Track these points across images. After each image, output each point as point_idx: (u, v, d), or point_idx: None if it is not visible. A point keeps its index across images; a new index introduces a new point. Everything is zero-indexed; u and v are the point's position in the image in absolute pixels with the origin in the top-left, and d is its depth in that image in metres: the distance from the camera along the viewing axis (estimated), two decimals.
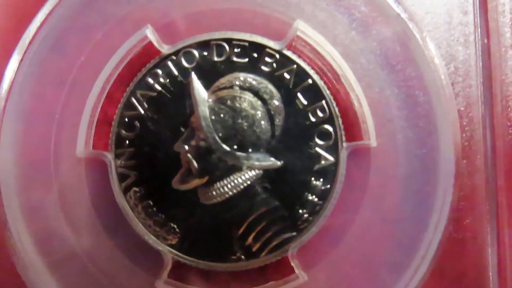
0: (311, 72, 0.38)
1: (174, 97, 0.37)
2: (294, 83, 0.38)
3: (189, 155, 0.37)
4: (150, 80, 0.38)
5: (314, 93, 0.38)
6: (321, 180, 0.37)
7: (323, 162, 0.37)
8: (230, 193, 0.37)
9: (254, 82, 0.37)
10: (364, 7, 0.38)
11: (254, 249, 0.37)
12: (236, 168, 0.37)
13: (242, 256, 0.37)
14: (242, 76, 0.37)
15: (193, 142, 0.37)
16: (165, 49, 0.38)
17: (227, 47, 0.38)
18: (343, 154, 0.37)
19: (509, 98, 0.38)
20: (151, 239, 0.37)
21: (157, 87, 0.38)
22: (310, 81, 0.38)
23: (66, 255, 0.38)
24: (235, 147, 0.37)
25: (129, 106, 0.38)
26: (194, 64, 0.38)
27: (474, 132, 0.38)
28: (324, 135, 0.37)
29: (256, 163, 0.37)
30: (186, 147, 0.37)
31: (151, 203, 0.37)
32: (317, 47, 0.38)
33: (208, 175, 0.37)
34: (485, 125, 0.38)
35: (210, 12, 0.38)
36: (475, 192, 0.38)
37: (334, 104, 0.37)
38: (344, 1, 0.38)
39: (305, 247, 0.37)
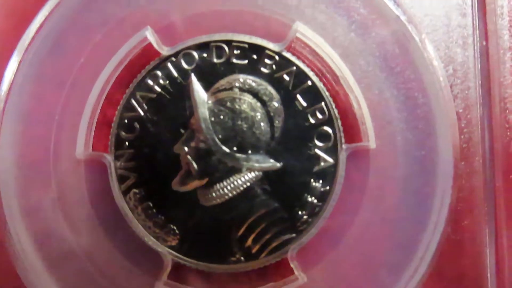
0: (311, 73, 0.38)
1: (174, 98, 0.38)
2: (294, 84, 0.38)
3: (188, 156, 0.37)
4: (150, 82, 0.38)
5: (313, 95, 0.38)
6: (321, 181, 0.37)
7: (322, 163, 0.37)
8: (230, 194, 0.37)
9: (253, 84, 0.37)
10: (363, 9, 0.38)
11: (253, 250, 0.37)
12: (236, 170, 0.37)
13: (242, 258, 0.37)
14: (241, 77, 0.38)
15: (192, 144, 0.37)
16: (165, 50, 0.38)
17: (226, 49, 0.38)
18: (343, 156, 0.37)
19: (507, 100, 0.39)
20: (150, 241, 0.37)
21: (157, 88, 0.38)
22: (309, 82, 0.38)
23: (65, 256, 0.38)
24: (235, 148, 0.37)
25: (128, 107, 0.38)
26: (193, 66, 0.38)
27: (473, 134, 0.39)
28: (324, 137, 0.38)
29: (256, 164, 0.37)
30: (186, 148, 0.37)
31: (151, 205, 0.37)
32: (316, 49, 0.38)
33: (208, 176, 0.37)
34: (483, 127, 0.39)
35: (210, 13, 0.38)
36: (473, 193, 0.39)
37: (334, 106, 0.38)
38: (343, 3, 0.38)
39: (305, 249, 0.37)
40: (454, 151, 0.37)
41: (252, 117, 0.37)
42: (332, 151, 0.38)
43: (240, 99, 0.37)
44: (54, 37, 0.38)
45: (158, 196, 0.37)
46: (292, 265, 0.37)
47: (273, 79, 0.38)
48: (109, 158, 0.37)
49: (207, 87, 0.37)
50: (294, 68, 0.38)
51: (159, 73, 0.38)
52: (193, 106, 0.37)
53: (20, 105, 0.38)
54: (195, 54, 0.38)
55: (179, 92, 0.37)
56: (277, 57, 0.38)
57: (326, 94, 0.38)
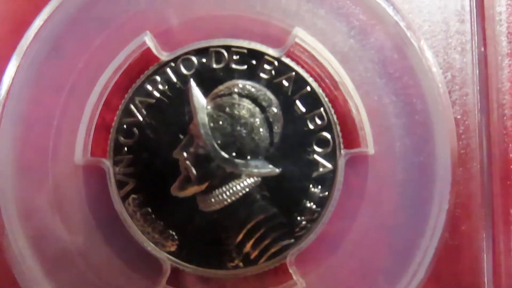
0: (310, 79, 0.38)
1: (173, 104, 0.38)
2: (293, 90, 0.38)
3: (187, 162, 0.37)
4: (149, 87, 0.38)
5: (312, 101, 0.38)
6: (319, 187, 0.37)
7: (321, 169, 0.38)
8: (229, 200, 0.37)
9: (252, 89, 0.37)
10: (363, 15, 0.38)
11: (252, 256, 0.37)
12: (235, 176, 0.37)
13: (240, 263, 0.37)
14: (240, 83, 0.38)
15: (192, 149, 0.37)
16: (164, 56, 0.38)
17: (226, 54, 0.38)
18: (341, 162, 0.38)
19: (505, 106, 0.39)
20: (149, 246, 0.37)
21: (156, 94, 0.38)
22: (308, 88, 0.38)
23: (63, 261, 0.38)
24: (234, 154, 0.37)
25: (127, 113, 0.38)
26: (193, 71, 0.38)
27: (471, 140, 0.39)
28: (322, 142, 0.38)
29: (255, 170, 0.37)
30: (185, 154, 0.37)
31: (150, 210, 0.37)
32: (315, 55, 0.38)
33: (207, 182, 0.37)
34: (481, 133, 0.39)
35: (209, 19, 0.38)
36: (471, 199, 0.39)
37: (333, 112, 0.38)
38: (343, 9, 0.38)
39: (303, 254, 0.38)
40: (452, 157, 0.38)
41: (251, 123, 0.37)
42: (331, 156, 0.38)
43: (239, 104, 0.37)
44: (53, 42, 0.38)
45: (157, 201, 0.37)
46: (290, 271, 0.38)
47: (272, 85, 0.38)
48: (107, 163, 0.37)
49: (206, 92, 0.37)
50: (293, 73, 0.38)
51: (158, 78, 0.38)
52: (192, 111, 0.37)
53: (18, 110, 0.38)
54: (194, 59, 0.38)
55: (178, 97, 0.37)
56: (276, 63, 0.38)
57: (325, 100, 0.38)
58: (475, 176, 0.39)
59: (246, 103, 0.37)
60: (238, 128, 0.37)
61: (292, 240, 0.37)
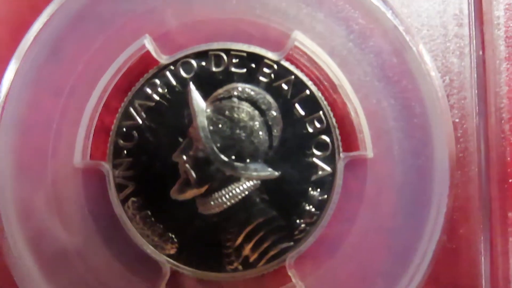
0: (309, 83, 0.38)
1: (172, 107, 0.38)
2: (292, 93, 0.38)
3: (187, 165, 0.37)
4: (148, 90, 0.38)
5: (311, 104, 0.38)
6: (318, 190, 0.38)
7: (320, 172, 0.38)
8: (228, 203, 0.37)
9: (252, 93, 0.38)
10: (362, 19, 0.38)
11: (251, 259, 0.37)
12: (234, 179, 0.37)
13: (240, 266, 0.37)
14: (240, 86, 0.38)
15: (191, 152, 0.37)
16: (163, 59, 0.38)
17: (225, 58, 0.38)
18: (340, 165, 0.38)
19: (503, 110, 0.39)
20: (149, 249, 0.37)
21: (155, 97, 0.38)
22: (307, 92, 0.38)
23: (62, 264, 0.38)
24: (233, 157, 0.37)
25: (127, 116, 0.38)
26: (192, 74, 0.38)
27: (469, 143, 0.39)
28: (321, 146, 0.38)
29: (254, 173, 0.37)
30: (184, 157, 0.37)
31: (149, 213, 0.37)
32: (314, 58, 0.38)
33: (206, 185, 0.37)
34: (479, 136, 0.39)
35: (209, 22, 0.38)
36: (469, 202, 0.39)
37: (332, 115, 0.38)
38: (342, 13, 0.38)
39: (303, 257, 0.38)
40: (450, 160, 0.38)
41: (251, 126, 0.37)
42: (330, 160, 0.38)
43: (238, 108, 0.37)
44: (52, 44, 0.38)
45: (156, 204, 0.37)
46: (290, 273, 0.38)
47: (272, 88, 0.38)
48: (107, 166, 0.37)
49: (205, 95, 0.37)
50: (293, 77, 0.38)
51: (157, 81, 0.38)
52: (192, 114, 0.37)
53: (17, 113, 0.38)
54: (193, 62, 0.38)
55: (178, 100, 0.38)
56: (275, 66, 0.38)
57: (324, 103, 0.38)
58: (473, 179, 0.39)
59: (246, 106, 0.37)
60: (238, 131, 0.37)
61: (291, 243, 0.37)
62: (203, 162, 0.37)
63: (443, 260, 0.38)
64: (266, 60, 0.38)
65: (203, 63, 0.38)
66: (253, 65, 0.38)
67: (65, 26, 0.38)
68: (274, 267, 0.37)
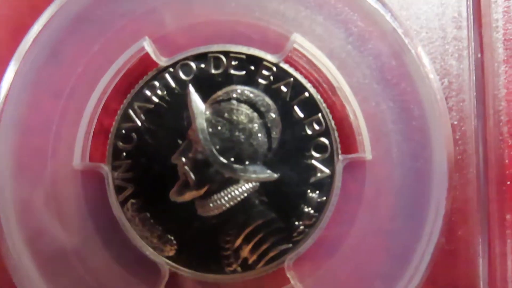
0: (308, 85, 0.38)
1: (172, 109, 0.38)
2: (291, 96, 0.38)
3: (186, 167, 0.37)
4: (148, 92, 0.38)
5: (310, 106, 0.38)
6: (317, 192, 0.38)
7: (319, 174, 0.38)
8: (227, 205, 0.37)
9: (251, 95, 0.38)
10: (361, 22, 0.38)
11: (250, 261, 0.37)
12: (233, 181, 0.37)
13: (239, 268, 0.37)
14: (239, 88, 0.38)
15: (190, 154, 0.37)
16: (163, 61, 0.38)
17: (224, 60, 0.38)
18: (339, 167, 0.38)
19: (501, 112, 0.39)
20: (148, 251, 0.37)
21: (155, 99, 0.38)
22: (306, 94, 0.38)
23: (62, 265, 0.38)
24: (232, 159, 0.37)
25: (126, 118, 0.38)
26: (191, 77, 0.38)
27: (467, 146, 0.39)
28: (320, 148, 0.38)
29: (253, 175, 0.37)
30: (184, 159, 0.37)
31: (149, 215, 0.37)
32: (314, 60, 0.38)
33: (205, 187, 0.37)
34: (477, 139, 0.39)
35: (208, 24, 0.38)
36: (467, 204, 0.39)
37: (330, 117, 0.38)
38: (341, 16, 0.38)
39: (301, 259, 0.38)
40: (449, 162, 0.38)
41: (250, 128, 0.37)
42: (329, 162, 0.38)
43: (237, 110, 0.37)
44: (52, 46, 0.38)
45: (155, 206, 0.37)
46: (288, 275, 0.38)
47: (271, 90, 0.38)
48: (106, 168, 0.37)
49: (204, 97, 0.38)
50: (292, 79, 0.38)
51: (157, 83, 0.38)
52: (191, 117, 0.37)
53: (17, 114, 0.38)
54: (193, 64, 0.38)
55: (177, 102, 0.38)
56: (274, 68, 0.38)
57: (323, 105, 0.38)
58: (471, 181, 0.39)
59: (245, 109, 0.37)
60: (237, 133, 0.37)
61: (290, 245, 0.38)
62: (202, 164, 0.37)
63: (441, 261, 0.38)
64: (265, 62, 0.38)
65: (202, 65, 0.38)
66: (252, 67, 0.38)
67: (64, 27, 0.38)
68: (273, 269, 0.38)
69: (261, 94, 0.38)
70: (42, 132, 0.38)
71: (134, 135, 0.38)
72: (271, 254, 0.37)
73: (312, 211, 0.38)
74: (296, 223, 0.38)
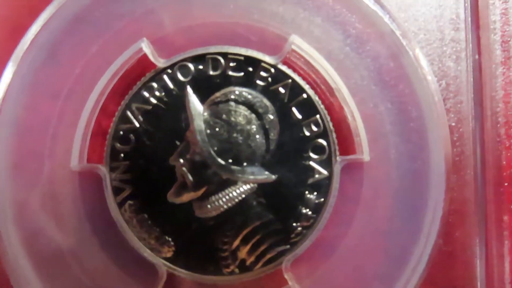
0: (306, 86, 0.38)
1: (170, 110, 0.38)
2: (289, 97, 0.38)
3: (184, 168, 0.37)
4: (146, 94, 0.38)
5: (308, 108, 0.38)
6: (315, 193, 0.38)
7: (317, 176, 0.38)
8: (225, 206, 0.37)
9: (249, 96, 0.38)
10: (359, 23, 0.38)
11: (248, 262, 0.37)
12: (231, 182, 0.37)
13: (236, 269, 0.37)
14: (237, 90, 0.38)
15: (188, 156, 0.37)
16: (161, 62, 0.38)
17: (222, 61, 0.38)
18: (337, 168, 0.38)
19: (499, 114, 0.39)
20: (146, 252, 0.37)
21: (153, 100, 0.38)
22: (304, 95, 0.38)
23: (59, 267, 0.38)
24: (230, 161, 0.37)
25: (124, 119, 0.38)
26: (189, 78, 0.38)
27: (465, 147, 0.39)
28: (318, 149, 0.38)
29: (251, 177, 0.37)
30: (181, 160, 0.37)
31: (146, 216, 0.37)
32: (312, 62, 0.38)
33: (203, 188, 0.37)
34: (475, 140, 0.39)
35: (206, 26, 0.38)
36: (465, 206, 0.39)
37: (328, 119, 0.38)
38: (339, 18, 0.38)
39: (299, 260, 0.38)
40: (447, 163, 0.38)
41: (248, 130, 0.37)
42: (327, 163, 0.38)
43: (235, 111, 0.37)
44: (49, 48, 0.38)
45: (153, 208, 0.37)
46: (286, 276, 0.38)
47: (269, 92, 0.38)
48: (104, 170, 0.37)
49: (202, 99, 0.38)
50: (290, 81, 0.38)
51: (155, 85, 0.38)
52: (189, 118, 0.37)
53: (14, 115, 0.38)
54: (191, 66, 0.38)
55: (175, 104, 0.38)
56: (272, 70, 0.38)
57: (321, 107, 0.38)
58: (469, 182, 0.39)
59: (243, 110, 0.37)
60: (235, 135, 0.37)
61: (288, 246, 0.38)
62: (200, 165, 0.37)
63: (439, 263, 0.38)
64: (263, 64, 0.38)
65: (201, 67, 0.38)
66: (250, 69, 0.38)
67: (62, 29, 0.38)
68: (271, 270, 0.38)
69: (259, 95, 0.38)
70: (40, 133, 0.38)
71: (132, 136, 0.38)
72: (269, 255, 0.37)
73: (310, 212, 0.38)
74: (294, 224, 0.38)
